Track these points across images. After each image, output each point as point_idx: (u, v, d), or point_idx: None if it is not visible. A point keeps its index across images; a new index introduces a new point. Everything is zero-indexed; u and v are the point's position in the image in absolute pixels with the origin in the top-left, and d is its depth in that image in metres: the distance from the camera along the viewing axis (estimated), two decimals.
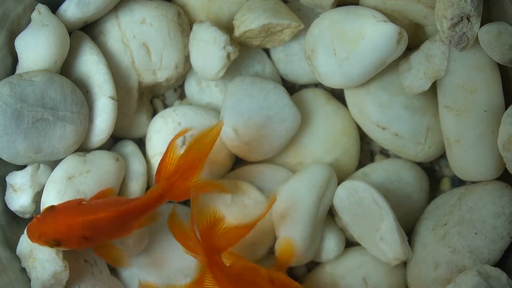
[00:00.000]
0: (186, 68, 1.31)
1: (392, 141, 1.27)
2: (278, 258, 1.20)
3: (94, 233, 1.10)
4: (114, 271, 1.26)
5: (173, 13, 1.29)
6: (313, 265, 1.29)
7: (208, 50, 1.25)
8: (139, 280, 1.21)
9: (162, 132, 1.27)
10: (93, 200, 1.16)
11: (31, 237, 1.10)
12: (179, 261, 1.25)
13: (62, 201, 1.15)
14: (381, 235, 1.20)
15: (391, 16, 1.23)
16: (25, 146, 1.15)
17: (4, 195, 1.20)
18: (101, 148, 1.25)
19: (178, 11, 1.30)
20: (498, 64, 1.19)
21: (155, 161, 1.27)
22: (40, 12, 1.19)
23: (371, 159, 1.34)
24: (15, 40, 1.19)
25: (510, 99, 1.20)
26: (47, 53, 1.17)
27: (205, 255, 1.08)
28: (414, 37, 1.26)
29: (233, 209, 1.25)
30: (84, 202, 1.13)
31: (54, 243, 1.09)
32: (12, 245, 1.17)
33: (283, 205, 1.22)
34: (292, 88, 1.34)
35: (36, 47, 1.17)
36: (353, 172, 1.31)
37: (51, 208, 1.11)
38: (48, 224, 1.09)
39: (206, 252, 1.08)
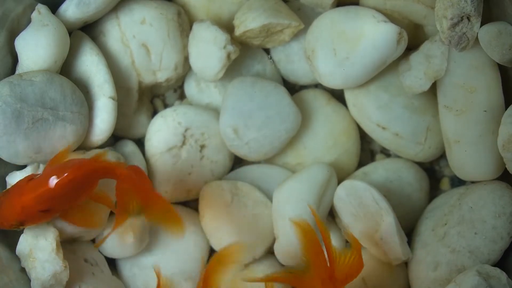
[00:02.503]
0: (185, 68, 1.31)
1: (392, 141, 1.27)
2: None
3: (49, 205, 1.09)
4: (115, 271, 1.26)
5: (173, 12, 1.29)
6: None
7: (207, 50, 1.25)
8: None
9: (162, 132, 1.27)
10: (47, 168, 1.14)
11: None
12: (179, 262, 1.25)
13: None
14: (381, 235, 1.20)
15: (391, 16, 1.23)
16: (25, 146, 1.15)
17: None
18: (101, 147, 1.25)
19: (178, 10, 1.29)
20: (498, 64, 1.19)
21: (155, 161, 1.27)
22: (40, 12, 1.19)
23: (372, 159, 1.34)
24: (15, 40, 1.19)
25: (510, 99, 1.20)
26: (47, 53, 1.17)
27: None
28: (414, 37, 1.26)
29: (233, 210, 1.25)
30: (35, 177, 1.11)
31: (17, 224, 1.09)
32: (12, 245, 1.17)
33: (283, 205, 1.22)
34: (292, 88, 1.33)
35: (36, 47, 1.17)
36: (353, 171, 1.30)
37: (5, 192, 1.10)
38: (5, 210, 1.09)
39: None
